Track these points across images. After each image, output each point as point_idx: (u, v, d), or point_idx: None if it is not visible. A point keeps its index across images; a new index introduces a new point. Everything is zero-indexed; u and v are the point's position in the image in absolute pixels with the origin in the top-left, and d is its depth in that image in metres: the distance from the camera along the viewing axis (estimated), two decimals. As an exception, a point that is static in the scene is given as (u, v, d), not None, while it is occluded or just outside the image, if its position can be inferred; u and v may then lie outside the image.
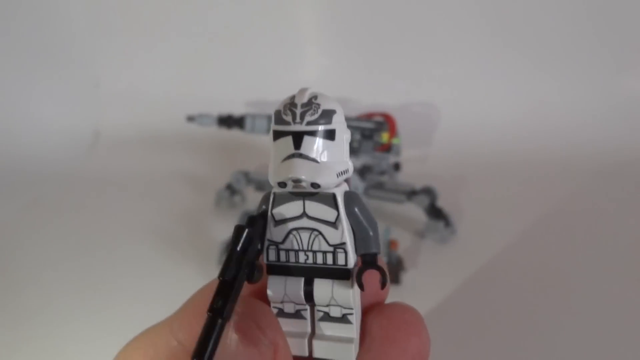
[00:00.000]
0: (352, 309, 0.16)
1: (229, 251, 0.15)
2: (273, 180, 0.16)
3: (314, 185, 0.15)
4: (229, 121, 0.64)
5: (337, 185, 0.16)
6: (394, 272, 0.55)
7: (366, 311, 0.17)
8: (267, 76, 0.91)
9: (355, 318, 0.16)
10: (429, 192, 0.63)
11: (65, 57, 0.94)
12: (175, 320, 0.18)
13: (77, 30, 0.93)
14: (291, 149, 0.15)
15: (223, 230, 0.60)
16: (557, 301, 0.51)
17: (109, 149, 0.90)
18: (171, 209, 0.70)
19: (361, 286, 0.15)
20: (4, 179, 0.81)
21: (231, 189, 0.69)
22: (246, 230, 0.15)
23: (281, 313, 0.16)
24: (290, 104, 0.15)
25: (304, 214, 0.16)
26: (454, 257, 0.58)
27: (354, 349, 0.16)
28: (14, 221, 0.70)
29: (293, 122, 0.15)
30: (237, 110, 0.67)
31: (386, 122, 0.65)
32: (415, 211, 0.64)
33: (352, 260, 0.16)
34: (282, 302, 0.16)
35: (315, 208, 0.16)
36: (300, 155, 0.15)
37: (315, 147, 0.15)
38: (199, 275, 0.56)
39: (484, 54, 0.90)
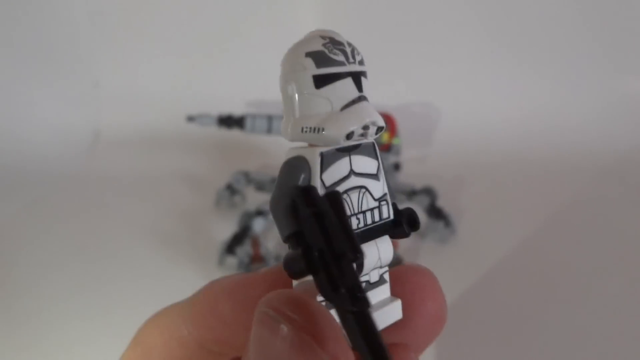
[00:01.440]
0: (387, 264, 0.15)
1: (330, 263, 0.12)
2: (338, 133, 0.13)
3: (380, 129, 0.14)
4: (229, 121, 0.64)
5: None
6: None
7: None
8: (267, 76, 0.90)
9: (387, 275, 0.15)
10: (429, 192, 0.63)
11: (65, 57, 0.94)
12: (185, 309, 0.18)
13: (77, 31, 0.93)
14: (354, 92, 0.13)
15: (223, 230, 0.60)
16: (558, 301, 0.51)
17: (109, 149, 0.90)
18: (171, 209, 0.70)
19: (406, 233, 0.15)
20: (4, 179, 0.81)
21: (231, 189, 0.69)
22: (303, 200, 0.12)
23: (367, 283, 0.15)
24: (335, 42, 0.14)
25: (351, 172, 0.14)
26: (454, 257, 0.58)
27: (398, 305, 0.15)
28: (14, 221, 0.70)
29: (347, 62, 0.13)
30: (237, 110, 0.67)
31: (386, 122, 0.65)
32: (415, 211, 0.64)
33: (391, 209, 0.14)
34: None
35: (360, 162, 0.14)
36: (366, 99, 0.13)
37: (367, 89, 0.14)
38: (199, 275, 0.56)
39: (484, 54, 0.90)
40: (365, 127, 0.13)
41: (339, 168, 0.13)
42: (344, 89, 0.13)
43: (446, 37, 0.90)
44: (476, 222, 0.64)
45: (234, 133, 0.66)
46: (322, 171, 0.13)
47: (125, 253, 0.61)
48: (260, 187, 0.68)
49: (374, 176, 0.14)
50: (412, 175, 0.69)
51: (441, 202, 0.63)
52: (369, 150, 0.14)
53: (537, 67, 0.90)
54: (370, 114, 0.13)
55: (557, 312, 0.49)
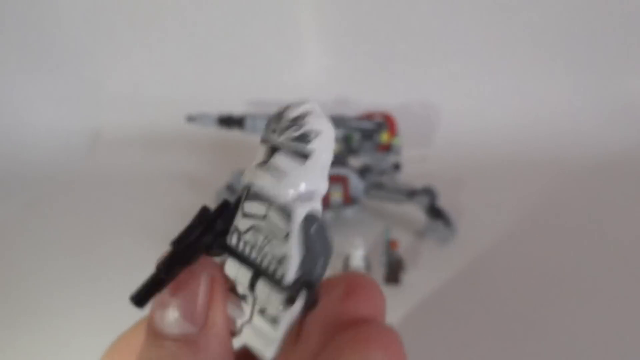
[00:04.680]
0: (278, 317, 0.16)
1: (188, 226, 0.16)
2: (244, 180, 0.17)
3: (274, 197, 0.16)
4: (229, 121, 0.64)
5: (306, 202, 0.16)
6: (394, 272, 0.55)
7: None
8: (267, 76, 0.91)
9: (286, 322, 0.16)
10: (429, 192, 0.63)
11: (65, 57, 0.94)
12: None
13: (77, 30, 0.93)
14: (261, 158, 0.16)
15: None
16: (558, 300, 0.51)
17: (109, 149, 0.90)
18: (171, 209, 0.70)
19: (292, 302, 0.16)
20: (4, 179, 0.81)
21: (231, 189, 0.69)
22: (209, 210, 0.17)
23: (233, 289, 0.17)
24: (279, 116, 0.16)
25: (266, 217, 0.16)
26: (454, 257, 0.58)
27: (274, 349, 0.16)
28: (14, 221, 0.70)
29: (273, 134, 0.16)
30: (237, 110, 0.67)
31: (386, 122, 0.65)
32: (415, 211, 0.64)
33: (289, 277, 0.16)
34: (234, 282, 0.17)
35: (274, 217, 0.16)
36: (268, 167, 0.16)
37: (282, 163, 0.16)
38: (199, 275, 0.56)
39: (485, 54, 0.90)
40: (253, 187, 0.16)
41: (257, 207, 0.17)
42: (262, 152, 0.17)
43: (447, 37, 0.90)
44: (476, 222, 0.64)
45: (234, 133, 0.66)
46: (245, 199, 0.17)
47: (124, 253, 0.61)
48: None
49: (282, 237, 0.16)
50: (412, 175, 0.69)
51: (441, 202, 0.63)
52: (284, 214, 0.16)
53: (538, 67, 0.90)
54: (254, 177, 0.16)
55: (557, 311, 0.49)
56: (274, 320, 0.16)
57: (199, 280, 0.16)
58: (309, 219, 0.16)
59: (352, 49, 0.92)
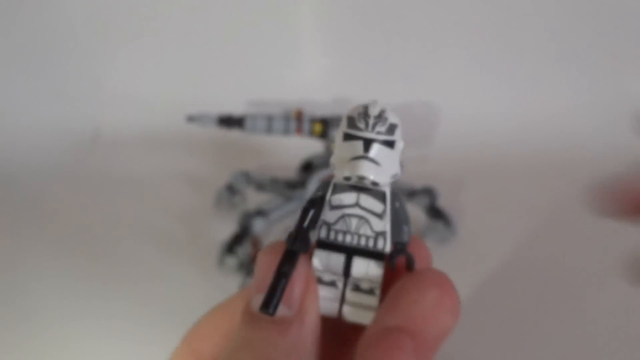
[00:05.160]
0: (379, 283, 0.19)
1: (297, 227, 0.18)
2: (340, 174, 0.19)
3: (374, 183, 0.19)
4: (229, 121, 0.64)
5: (388, 184, 0.19)
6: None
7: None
8: (267, 76, 0.91)
9: (379, 291, 0.19)
10: (429, 192, 0.63)
11: (65, 56, 0.94)
12: (194, 336, 0.21)
13: (77, 30, 0.93)
14: (361, 152, 0.19)
15: (223, 230, 0.60)
16: (559, 301, 0.51)
17: (109, 149, 0.90)
18: (171, 209, 0.70)
19: (393, 267, 0.19)
20: (4, 179, 0.81)
21: (231, 189, 0.69)
22: (311, 210, 0.19)
23: (320, 280, 0.20)
24: (365, 114, 0.19)
25: (357, 204, 0.19)
26: (454, 258, 0.58)
27: (373, 315, 0.19)
28: (14, 221, 0.70)
29: (365, 130, 0.19)
30: (237, 110, 0.67)
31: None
32: (415, 211, 0.64)
33: (388, 245, 0.19)
34: (322, 271, 0.19)
35: (367, 200, 0.19)
36: (368, 158, 0.18)
37: (379, 153, 0.19)
38: (199, 276, 0.56)
39: (485, 54, 0.90)
40: (361, 178, 0.18)
41: (346, 197, 0.19)
42: (356, 147, 0.19)
43: (447, 37, 0.90)
44: (476, 222, 0.64)
45: (234, 133, 0.66)
46: (332, 194, 0.19)
47: (124, 253, 0.61)
48: (260, 187, 0.68)
49: (378, 215, 0.19)
50: (412, 175, 0.69)
51: (441, 202, 0.63)
52: (379, 196, 0.19)
53: (539, 67, 0.90)
54: (363, 170, 0.18)
55: (558, 312, 0.49)
56: (371, 291, 0.19)
57: (297, 269, 0.18)
58: (394, 196, 0.20)
59: (352, 49, 0.91)
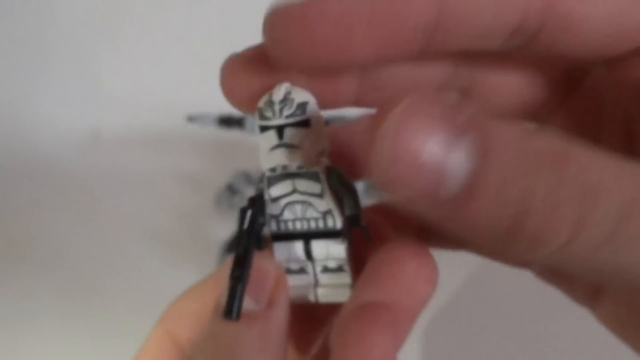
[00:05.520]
0: (344, 259, 0.19)
1: (237, 230, 0.18)
2: (264, 167, 0.19)
3: (300, 167, 0.19)
4: (229, 121, 0.64)
5: (321, 160, 0.19)
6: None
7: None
8: (267, 76, 0.90)
9: (348, 267, 0.20)
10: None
11: (65, 57, 0.94)
12: (169, 319, 0.21)
13: (77, 30, 0.93)
14: (275, 141, 0.19)
15: (223, 230, 0.60)
16: (559, 301, 0.51)
17: (109, 149, 0.90)
18: (171, 209, 0.70)
19: (350, 242, 0.19)
20: (4, 179, 0.81)
21: (231, 189, 0.69)
22: (248, 211, 0.19)
23: (288, 270, 0.20)
24: (270, 102, 0.18)
25: (295, 190, 0.19)
26: (454, 257, 0.58)
27: (349, 291, 0.20)
28: (13, 221, 0.70)
29: (274, 117, 0.18)
30: (237, 110, 0.67)
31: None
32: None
33: (338, 222, 0.19)
34: (288, 261, 0.20)
35: (303, 184, 0.19)
36: (285, 145, 0.18)
37: (294, 136, 0.18)
38: (199, 276, 0.56)
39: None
40: (284, 166, 0.19)
41: (282, 187, 0.19)
42: (270, 137, 0.19)
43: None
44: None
45: (234, 133, 0.66)
46: (268, 187, 0.19)
47: (124, 253, 0.61)
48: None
49: (318, 195, 0.19)
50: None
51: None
52: (312, 177, 0.19)
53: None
54: (279, 158, 0.19)
55: (558, 311, 0.49)
56: (340, 269, 0.19)
57: (260, 266, 0.18)
58: (331, 169, 0.19)
59: (352, 49, 0.91)
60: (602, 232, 0.12)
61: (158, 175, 0.81)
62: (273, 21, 0.15)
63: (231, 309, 0.17)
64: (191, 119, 0.66)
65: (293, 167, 0.19)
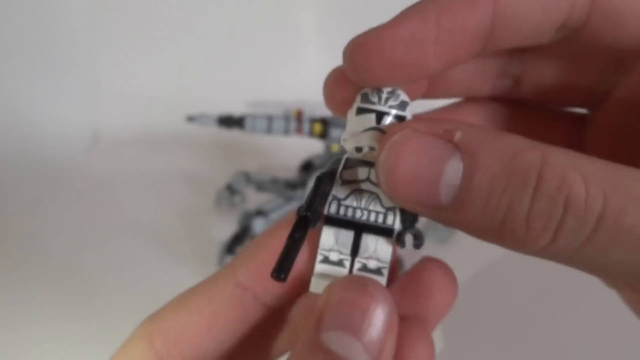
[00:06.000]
0: (387, 263, 0.19)
1: (309, 197, 0.18)
2: (351, 144, 0.19)
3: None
4: (229, 121, 0.64)
5: None
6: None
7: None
8: (267, 76, 0.91)
9: (387, 272, 0.19)
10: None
11: (65, 57, 0.94)
12: (237, 263, 0.20)
13: (77, 30, 0.93)
14: (373, 123, 0.18)
15: (223, 230, 0.60)
16: (559, 302, 0.51)
17: (109, 149, 0.90)
18: (171, 209, 0.70)
19: (403, 244, 0.19)
20: (4, 179, 0.81)
21: (231, 189, 0.69)
22: (325, 180, 0.19)
23: (326, 260, 0.19)
24: (378, 89, 0.19)
25: (368, 179, 0.19)
26: (454, 257, 0.58)
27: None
28: (13, 221, 0.70)
29: (378, 103, 0.19)
30: (237, 110, 0.67)
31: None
32: (415, 211, 0.64)
33: (398, 222, 0.19)
34: (329, 250, 0.19)
35: None
36: (380, 129, 0.18)
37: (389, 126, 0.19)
38: (199, 276, 0.56)
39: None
40: (372, 148, 0.18)
41: (358, 172, 0.19)
42: (368, 120, 0.18)
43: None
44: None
45: (234, 133, 0.66)
46: (343, 169, 0.19)
47: (124, 253, 0.61)
48: (260, 187, 0.68)
49: None
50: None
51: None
52: None
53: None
54: (372, 139, 0.18)
55: (558, 312, 0.49)
56: (378, 271, 0.19)
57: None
58: None
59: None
60: (577, 238, 0.14)
61: (158, 175, 0.81)
62: (354, 52, 0.17)
63: (281, 268, 0.17)
64: (191, 119, 0.66)
65: (375, 155, 0.18)
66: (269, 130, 0.64)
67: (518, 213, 0.14)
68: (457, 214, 0.15)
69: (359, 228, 0.19)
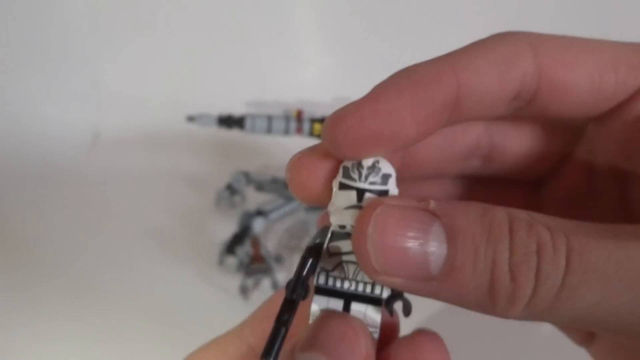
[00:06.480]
0: (377, 328, 0.19)
1: (295, 276, 0.19)
2: (336, 222, 0.19)
3: None
4: (229, 121, 0.64)
5: None
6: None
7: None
8: (267, 76, 0.91)
9: (377, 336, 0.20)
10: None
11: (65, 57, 0.94)
12: (246, 326, 0.21)
13: (77, 30, 0.93)
14: (354, 201, 0.19)
15: (223, 230, 0.60)
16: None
17: (109, 149, 0.90)
18: (171, 209, 0.70)
19: (391, 312, 0.20)
20: (4, 179, 0.81)
21: (231, 189, 0.69)
22: (310, 259, 0.19)
23: None
24: (358, 164, 0.19)
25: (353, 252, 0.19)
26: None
27: None
28: (13, 221, 0.70)
29: (358, 180, 0.19)
30: (237, 110, 0.67)
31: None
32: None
33: (385, 292, 0.19)
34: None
35: None
36: (361, 208, 0.19)
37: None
38: (198, 275, 0.56)
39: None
40: (354, 227, 0.18)
41: (344, 245, 0.20)
42: (349, 196, 0.19)
43: (448, 37, 0.90)
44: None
45: (234, 133, 0.66)
46: (329, 242, 0.20)
47: (124, 253, 0.61)
48: (260, 187, 0.68)
49: None
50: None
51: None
52: None
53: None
54: (353, 219, 0.19)
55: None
56: None
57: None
58: None
59: (351, 49, 0.92)
60: (554, 284, 0.15)
61: (158, 175, 0.81)
62: (335, 125, 0.17)
63: (270, 351, 0.17)
64: (191, 119, 0.66)
65: None
66: (269, 130, 0.64)
67: (502, 268, 0.15)
68: (447, 282, 0.16)
69: (348, 297, 0.20)
